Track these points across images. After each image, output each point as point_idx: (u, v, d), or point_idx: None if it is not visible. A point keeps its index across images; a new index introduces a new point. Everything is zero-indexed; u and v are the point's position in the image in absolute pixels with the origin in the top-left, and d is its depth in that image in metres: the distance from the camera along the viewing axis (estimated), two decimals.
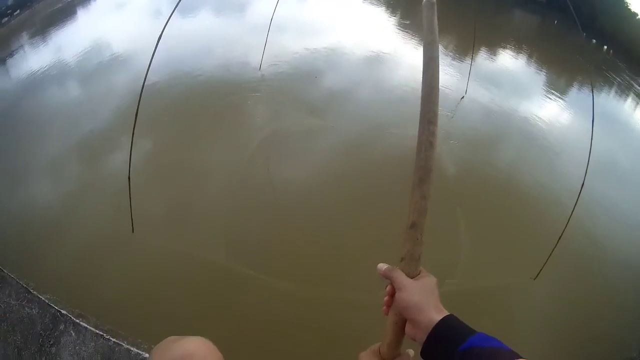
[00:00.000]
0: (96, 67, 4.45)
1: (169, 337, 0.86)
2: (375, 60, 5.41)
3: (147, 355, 1.63)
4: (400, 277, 0.73)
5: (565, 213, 2.68)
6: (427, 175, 0.77)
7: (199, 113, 3.85)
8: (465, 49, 5.78)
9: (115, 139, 3.40)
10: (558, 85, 6.29)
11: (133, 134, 2.49)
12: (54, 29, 5.39)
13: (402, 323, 0.73)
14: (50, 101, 3.90)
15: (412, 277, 0.74)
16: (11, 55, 4.69)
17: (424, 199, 0.76)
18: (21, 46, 4.95)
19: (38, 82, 4.18)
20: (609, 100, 6.47)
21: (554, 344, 2.53)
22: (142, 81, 2.39)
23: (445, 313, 0.69)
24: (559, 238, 2.58)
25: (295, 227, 3.00)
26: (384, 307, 0.77)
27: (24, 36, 5.17)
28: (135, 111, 2.44)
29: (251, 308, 2.37)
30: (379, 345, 0.78)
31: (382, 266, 0.78)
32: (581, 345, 2.58)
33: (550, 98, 5.68)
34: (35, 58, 4.65)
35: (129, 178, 2.53)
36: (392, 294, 0.75)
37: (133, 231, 2.57)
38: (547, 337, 2.57)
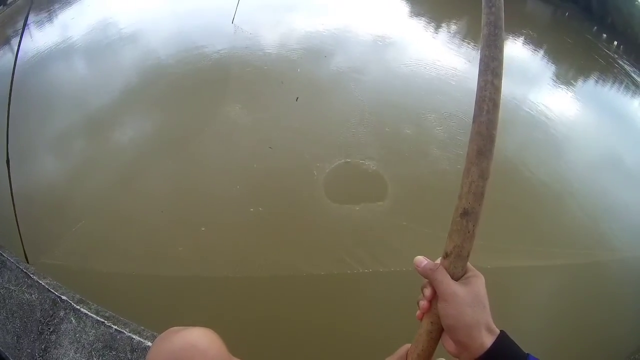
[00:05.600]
0: (103, 46, 4.45)
1: (172, 328, 0.83)
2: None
3: (149, 343, 1.58)
4: (446, 283, 0.60)
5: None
6: (489, 146, 0.60)
7: (202, 89, 3.83)
8: (476, 35, 5.72)
9: (120, 116, 3.40)
10: (566, 77, 6.19)
11: (8, 113, 2.19)
12: (60, 8, 5.40)
13: (438, 334, 0.63)
14: (55, 80, 3.90)
15: (456, 279, 0.61)
16: (17, 34, 4.66)
17: (482, 179, 0.59)
18: (27, 25, 4.90)
19: (43, 61, 4.17)
20: (614, 95, 6.36)
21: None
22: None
23: (497, 333, 0.60)
24: None
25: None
26: (419, 313, 0.65)
27: (30, 16, 5.13)
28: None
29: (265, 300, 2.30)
30: (406, 350, 0.68)
31: (421, 261, 0.64)
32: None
33: (556, 89, 5.61)
34: (41, 37, 4.66)
35: (7, 164, 2.03)
36: (431, 299, 0.63)
37: (27, 261, 2.03)
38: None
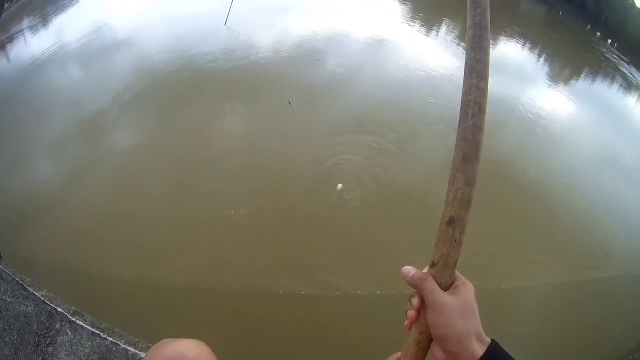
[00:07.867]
0: (97, 51, 4.44)
1: (163, 339, 0.88)
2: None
3: (144, 355, 1.59)
4: (435, 293, 0.59)
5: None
6: (474, 151, 0.58)
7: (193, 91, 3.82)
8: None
9: (113, 120, 3.39)
10: (559, 76, 6.22)
11: None
12: (54, 13, 5.39)
13: (426, 344, 0.62)
14: (50, 84, 3.89)
15: (445, 288, 0.60)
16: (11, 40, 4.67)
17: (468, 186, 0.58)
18: (21, 31, 4.95)
19: (38, 66, 4.17)
20: (609, 93, 6.39)
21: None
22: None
23: (487, 342, 0.59)
24: None
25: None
26: (407, 323, 0.64)
27: (24, 21, 5.18)
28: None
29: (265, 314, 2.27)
30: (397, 357, 0.67)
31: (409, 271, 0.63)
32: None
33: (550, 88, 5.63)
34: (35, 42, 4.65)
35: None
36: (419, 308, 0.62)
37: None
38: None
